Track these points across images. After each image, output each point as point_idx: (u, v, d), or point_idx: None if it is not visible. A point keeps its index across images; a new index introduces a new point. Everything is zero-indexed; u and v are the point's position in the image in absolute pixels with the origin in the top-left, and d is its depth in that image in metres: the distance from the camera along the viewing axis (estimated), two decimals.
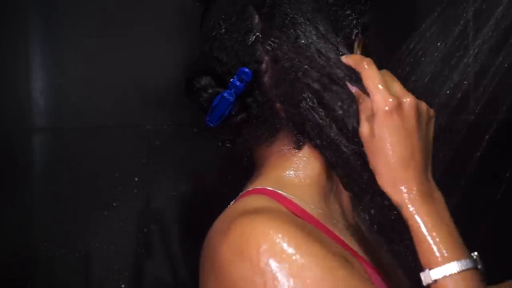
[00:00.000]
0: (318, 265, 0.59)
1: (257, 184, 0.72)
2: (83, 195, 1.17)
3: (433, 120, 0.66)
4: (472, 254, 0.62)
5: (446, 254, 0.60)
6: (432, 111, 0.66)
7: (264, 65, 0.69)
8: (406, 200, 0.62)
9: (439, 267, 0.60)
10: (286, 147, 0.73)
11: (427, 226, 0.61)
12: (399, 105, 0.63)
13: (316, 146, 0.70)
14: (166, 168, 1.21)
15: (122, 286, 1.20)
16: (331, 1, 0.71)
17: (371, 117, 0.63)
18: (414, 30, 0.87)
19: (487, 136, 1.01)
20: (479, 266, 0.61)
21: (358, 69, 0.66)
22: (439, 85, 0.90)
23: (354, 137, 0.67)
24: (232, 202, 0.73)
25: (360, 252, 0.71)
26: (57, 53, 1.16)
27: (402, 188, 0.62)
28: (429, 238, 0.61)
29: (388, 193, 0.63)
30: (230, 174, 1.11)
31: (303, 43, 0.68)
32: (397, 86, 0.65)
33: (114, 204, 1.18)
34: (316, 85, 0.68)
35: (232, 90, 0.69)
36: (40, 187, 1.17)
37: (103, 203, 1.17)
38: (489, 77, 0.92)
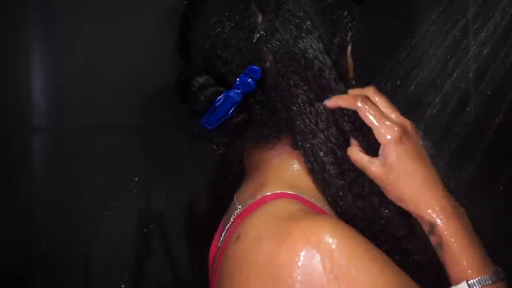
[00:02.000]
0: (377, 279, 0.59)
1: (273, 189, 0.69)
2: (83, 195, 1.17)
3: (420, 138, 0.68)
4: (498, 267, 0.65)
5: (481, 267, 0.63)
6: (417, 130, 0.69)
7: (268, 65, 0.68)
8: (440, 219, 0.64)
9: (477, 278, 0.62)
10: (287, 149, 0.71)
11: (462, 243, 0.64)
12: (404, 131, 0.65)
13: (300, 149, 0.69)
14: (166, 168, 1.21)
15: (122, 286, 1.20)
16: (330, 1, 0.70)
17: (380, 150, 0.65)
18: (414, 30, 0.87)
19: (487, 136, 1.01)
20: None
21: (352, 108, 0.67)
22: (439, 85, 0.90)
23: (336, 146, 0.67)
24: (242, 208, 0.71)
25: None
26: (57, 53, 1.16)
27: (436, 208, 0.64)
28: (465, 253, 0.63)
29: (420, 216, 0.65)
30: (230, 174, 1.11)
31: (304, 43, 0.67)
32: (393, 113, 0.67)
33: (114, 204, 1.18)
34: (308, 91, 0.68)
35: (240, 90, 0.67)
36: (40, 187, 1.17)
37: (103, 203, 1.17)
38: (489, 77, 0.92)
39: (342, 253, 0.58)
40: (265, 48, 0.68)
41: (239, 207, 0.72)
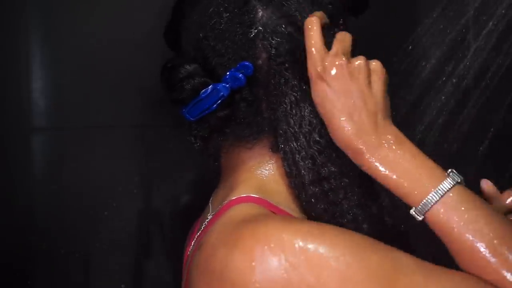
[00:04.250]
0: (349, 254, 0.57)
1: (239, 192, 0.68)
2: (83, 195, 1.17)
3: (376, 73, 0.66)
4: (449, 171, 0.62)
5: (432, 179, 0.60)
6: (375, 66, 0.66)
7: (260, 62, 0.67)
8: (372, 145, 0.62)
9: (431, 193, 0.60)
10: (266, 150, 0.70)
11: (403, 164, 0.62)
12: (324, 70, 0.63)
13: (280, 152, 0.68)
14: (166, 168, 1.21)
15: (122, 286, 1.20)
16: (329, 7, 0.70)
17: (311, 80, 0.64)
18: (415, 30, 0.87)
19: (487, 136, 1.01)
20: (461, 179, 0.62)
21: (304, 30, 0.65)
22: (439, 85, 0.90)
23: (316, 152, 0.66)
24: (212, 214, 0.69)
25: None
26: (57, 53, 1.16)
27: (366, 138, 0.62)
28: (411, 172, 0.61)
29: (347, 147, 0.63)
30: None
31: (298, 43, 0.67)
32: (338, 48, 0.64)
33: (114, 204, 1.18)
34: (299, 92, 0.67)
35: (229, 84, 0.66)
36: (40, 187, 1.17)
37: (103, 203, 1.17)
38: (489, 77, 0.92)
39: (294, 242, 0.56)
40: (260, 45, 0.67)
41: (211, 213, 0.71)
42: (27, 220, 1.16)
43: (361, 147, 0.62)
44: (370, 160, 0.62)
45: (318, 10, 0.68)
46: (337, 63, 0.63)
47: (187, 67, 0.68)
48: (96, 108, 1.17)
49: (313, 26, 0.64)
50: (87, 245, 1.17)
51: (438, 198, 0.60)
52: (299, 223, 0.60)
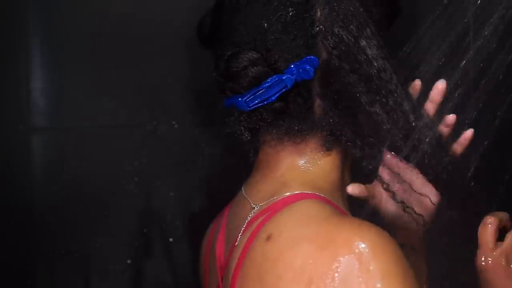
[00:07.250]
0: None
1: (295, 189, 0.69)
2: (83, 195, 1.17)
3: None
4: None
5: None
6: None
7: (320, 60, 0.68)
8: None
9: None
10: (314, 146, 0.71)
11: None
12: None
13: (353, 152, 0.71)
14: (166, 168, 1.21)
15: (122, 286, 1.20)
16: (371, 2, 0.71)
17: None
18: (414, 30, 0.87)
19: (487, 136, 1.01)
20: None
21: None
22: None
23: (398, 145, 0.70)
24: (261, 206, 0.70)
25: None
26: (57, 53, 1.16)
27: None
28: None
29: None
30: (230, 175, 1.11)
31: (361, 45, 0.67)
32: None
33: (114, 204, 1.18)
34: (368, 90, 0.67)
35: (294, 76, 0.65)
36: (40, 187, 1.17)
37: (103, 203, 1.17)
38: (489, 77, 0.92)
39: (378, 267, 0.58)
40: (321, 44, 0.67)
41: (256, 206, 0.71)
42: (27, 220, 1.16)
43: None
44: None
45: (369, 15, 0.69)
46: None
47: (250, 55, 0.67)
48: (96, 108, 1.17)
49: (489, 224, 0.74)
50: (87, 245, 1.17)
51: None
52: (387, 243, 0.60)
